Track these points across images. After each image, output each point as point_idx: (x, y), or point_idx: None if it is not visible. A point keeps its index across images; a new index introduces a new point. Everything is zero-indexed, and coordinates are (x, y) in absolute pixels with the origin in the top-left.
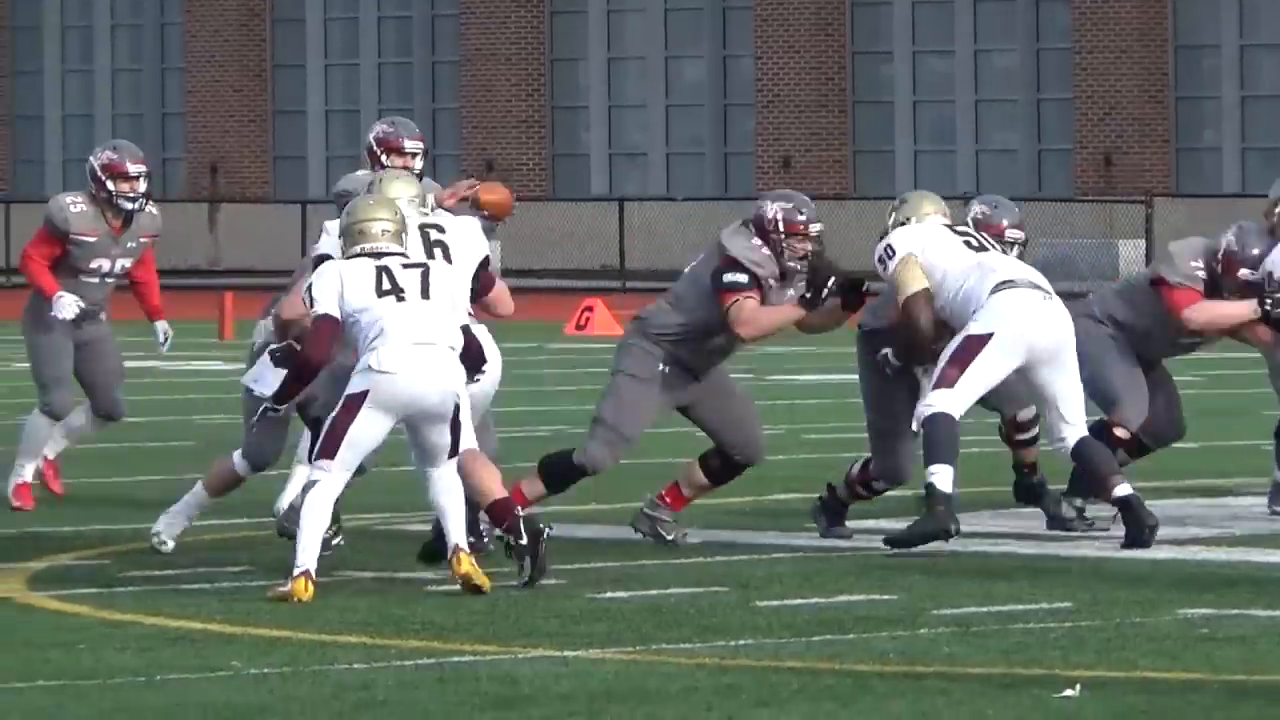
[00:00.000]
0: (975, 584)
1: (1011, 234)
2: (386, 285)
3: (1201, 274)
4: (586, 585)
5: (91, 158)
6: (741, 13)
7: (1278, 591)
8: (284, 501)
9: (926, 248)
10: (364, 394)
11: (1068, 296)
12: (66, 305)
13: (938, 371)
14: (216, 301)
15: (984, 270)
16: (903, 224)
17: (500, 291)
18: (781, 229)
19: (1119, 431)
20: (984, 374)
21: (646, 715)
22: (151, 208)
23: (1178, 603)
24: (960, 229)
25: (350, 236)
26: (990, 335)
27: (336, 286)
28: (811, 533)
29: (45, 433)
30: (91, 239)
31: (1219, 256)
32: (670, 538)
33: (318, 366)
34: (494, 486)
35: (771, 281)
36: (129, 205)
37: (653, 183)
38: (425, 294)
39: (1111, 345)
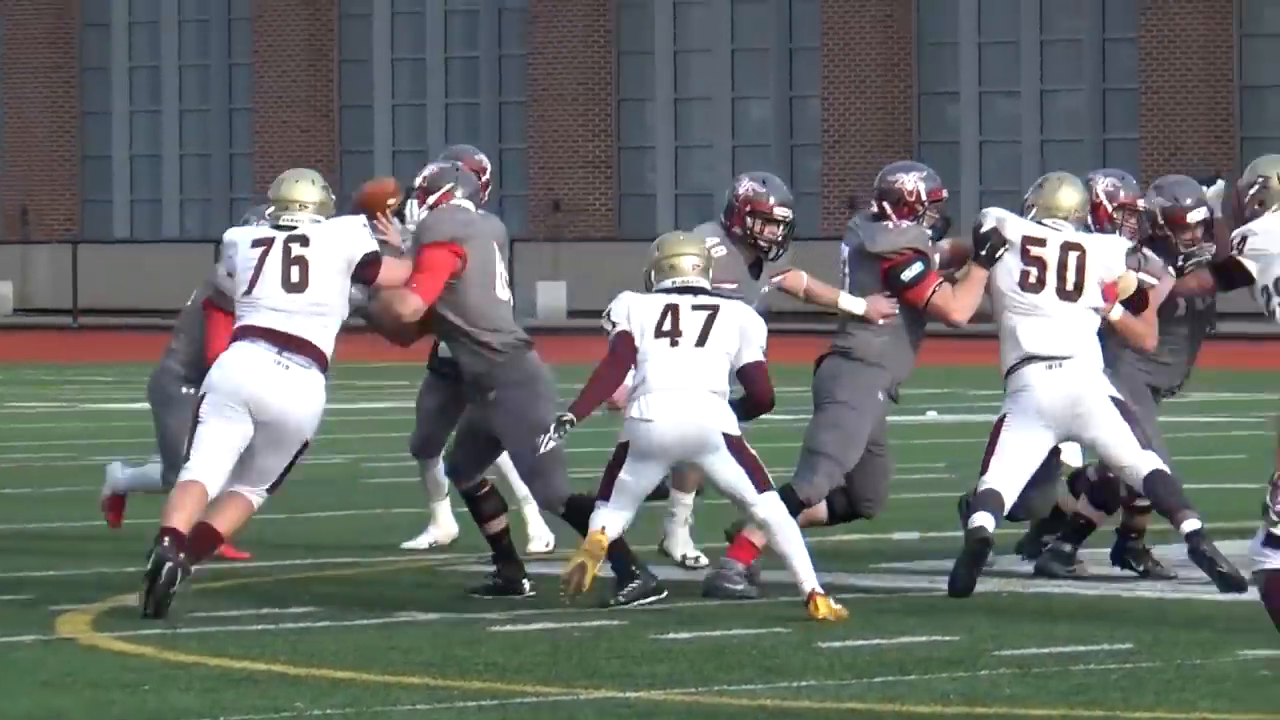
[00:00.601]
0: (1036, 625)
1: (1142, 203)
2: (667, 326)
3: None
4: (649, 626)
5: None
6: (808, 54)
7: None
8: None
9: (996, 270)
10: (627, 444)
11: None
12: None
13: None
14: None
15: (1015, 338)
16: (1028, 209)
17: (390, 272)
18: (924, 196)
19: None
20: (1013, 453)
21: None
22: None
23: (1238, 644)
24: (1035, 249)
25: (660, 271)
26: (1005, 416)
27: (626, 312)
28: (875, 573)
29: (159, 487)
30: None
31: (1159, 220)
32: (740, 588)
33: (617, 383)
34: (218, 521)
35: (931, 240)
36: None
37: None
38: (702, 341)
39: (1135, 386)
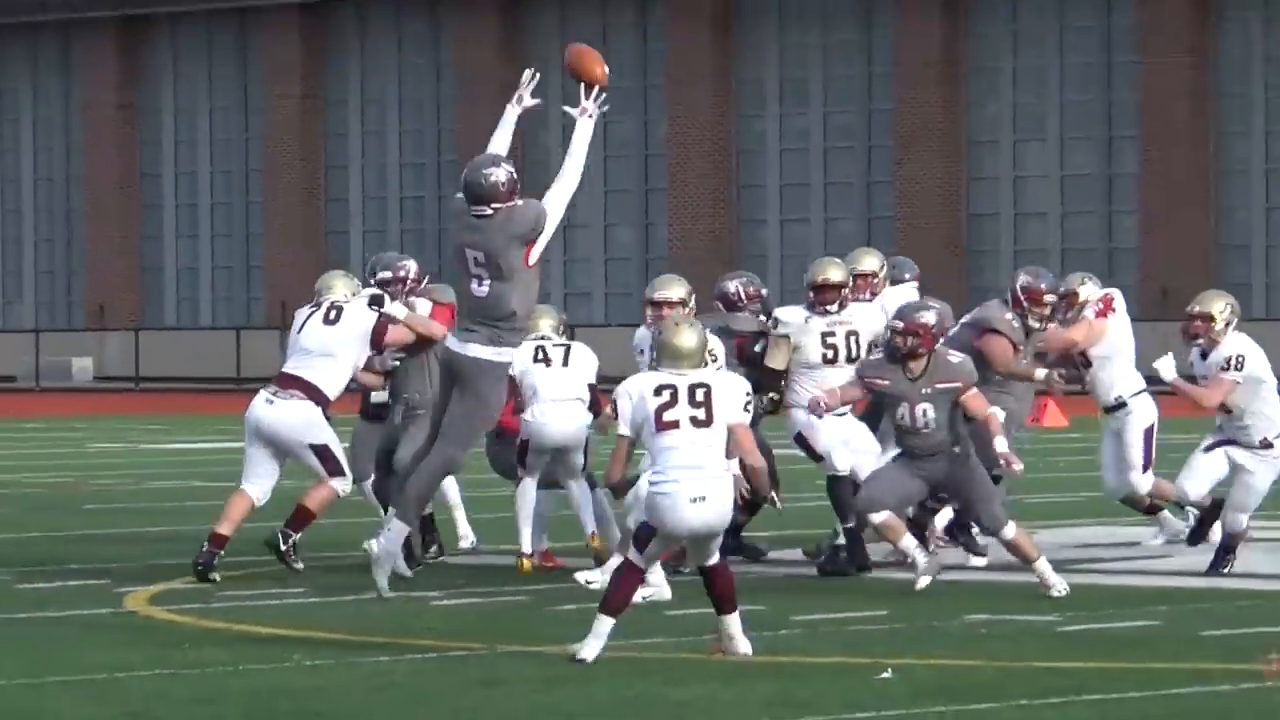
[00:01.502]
0: (829, 598)
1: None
2: (540, 356)
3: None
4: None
5: None
6: (883, 186)
7: (1035, 601)
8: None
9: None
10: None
11: None
12: None
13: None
14: None
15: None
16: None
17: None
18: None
19: None
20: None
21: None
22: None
23: (964, 609)
24: None
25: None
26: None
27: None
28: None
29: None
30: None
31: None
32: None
33: None
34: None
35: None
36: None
37: None
38: (565, 362)
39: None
